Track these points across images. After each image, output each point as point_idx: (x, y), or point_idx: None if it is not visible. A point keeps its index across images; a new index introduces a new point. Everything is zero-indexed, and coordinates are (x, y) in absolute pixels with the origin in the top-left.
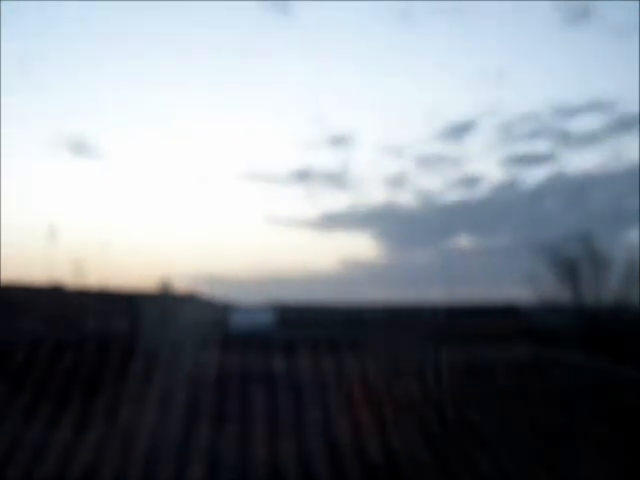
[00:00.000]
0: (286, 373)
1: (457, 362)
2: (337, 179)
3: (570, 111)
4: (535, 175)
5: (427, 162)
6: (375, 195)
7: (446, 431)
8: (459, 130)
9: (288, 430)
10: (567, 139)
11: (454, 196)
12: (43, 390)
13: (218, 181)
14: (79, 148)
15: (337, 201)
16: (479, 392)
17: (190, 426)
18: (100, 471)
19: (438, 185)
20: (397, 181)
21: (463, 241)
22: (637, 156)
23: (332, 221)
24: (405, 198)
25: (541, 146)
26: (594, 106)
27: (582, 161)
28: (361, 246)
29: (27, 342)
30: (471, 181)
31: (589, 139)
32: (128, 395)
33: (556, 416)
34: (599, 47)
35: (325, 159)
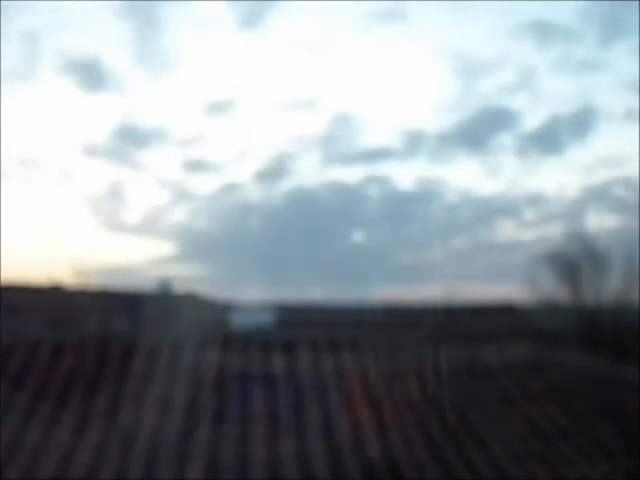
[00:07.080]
0: (286, 373)
1: (457, 362)
2: None
3: None
4: None
5: None
6: None
7: (446, 431)
8: None
9: (288, 430)
10: None
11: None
12: (43, 390)
13: None
14: None
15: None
16: (479, 392)
17: (190, 426)
18: (100, 471)
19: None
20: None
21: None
22: None
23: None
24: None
25: None
26: None
27: None
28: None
29: (27, 342)
30: None
31: None
32: (128, 395)
33: (556, 416)
34: None
35: None
